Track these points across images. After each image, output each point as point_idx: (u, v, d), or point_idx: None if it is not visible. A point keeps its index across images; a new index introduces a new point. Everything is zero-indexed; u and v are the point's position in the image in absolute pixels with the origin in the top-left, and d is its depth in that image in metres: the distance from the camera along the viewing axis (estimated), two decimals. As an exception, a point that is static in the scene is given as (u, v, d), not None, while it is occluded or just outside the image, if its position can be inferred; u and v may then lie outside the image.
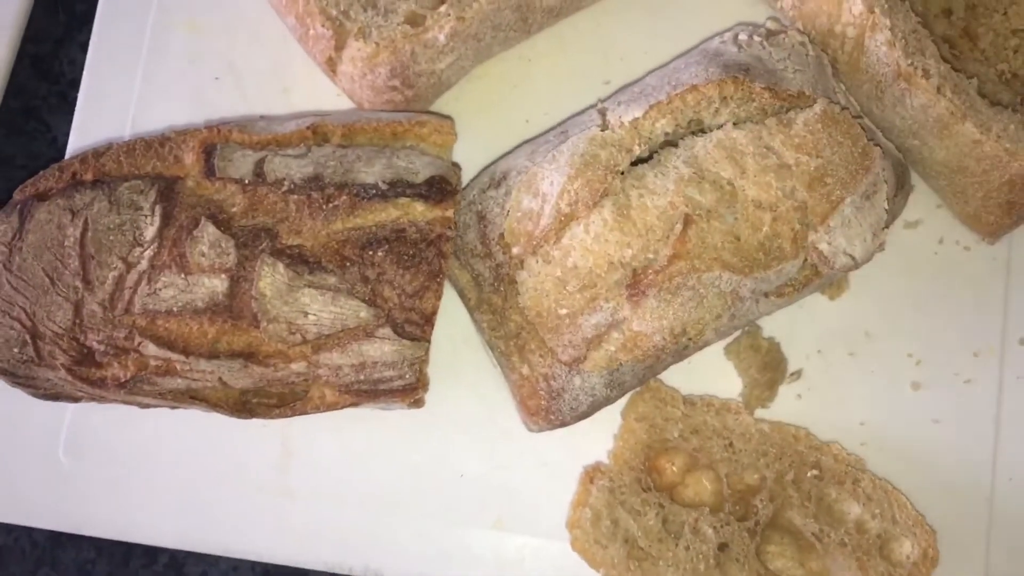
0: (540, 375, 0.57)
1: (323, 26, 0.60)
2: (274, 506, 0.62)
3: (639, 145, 0.55)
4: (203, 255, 0.52)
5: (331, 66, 0.61)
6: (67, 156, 0.66)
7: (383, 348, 0.53)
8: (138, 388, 0.55)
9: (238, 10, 0.67)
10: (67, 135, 0.67)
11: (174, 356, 0.53)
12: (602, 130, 0.56)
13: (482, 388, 0.63)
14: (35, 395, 0.58)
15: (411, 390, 0.55)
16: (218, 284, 0.52)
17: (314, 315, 0.52)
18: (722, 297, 0.55)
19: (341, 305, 0.52)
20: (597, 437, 0.62)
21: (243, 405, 0.57)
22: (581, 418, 0.59)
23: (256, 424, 0.58)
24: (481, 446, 0.63)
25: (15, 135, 0.70)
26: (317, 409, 0.57)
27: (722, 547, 0.58)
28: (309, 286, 0.52)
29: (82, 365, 0.54)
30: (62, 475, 0.63)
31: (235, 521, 0.62)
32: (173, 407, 0.57)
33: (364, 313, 0.53)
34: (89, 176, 0.56)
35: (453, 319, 0.62)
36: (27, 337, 0.54)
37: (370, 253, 0.53)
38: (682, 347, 0.59)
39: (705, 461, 0.60)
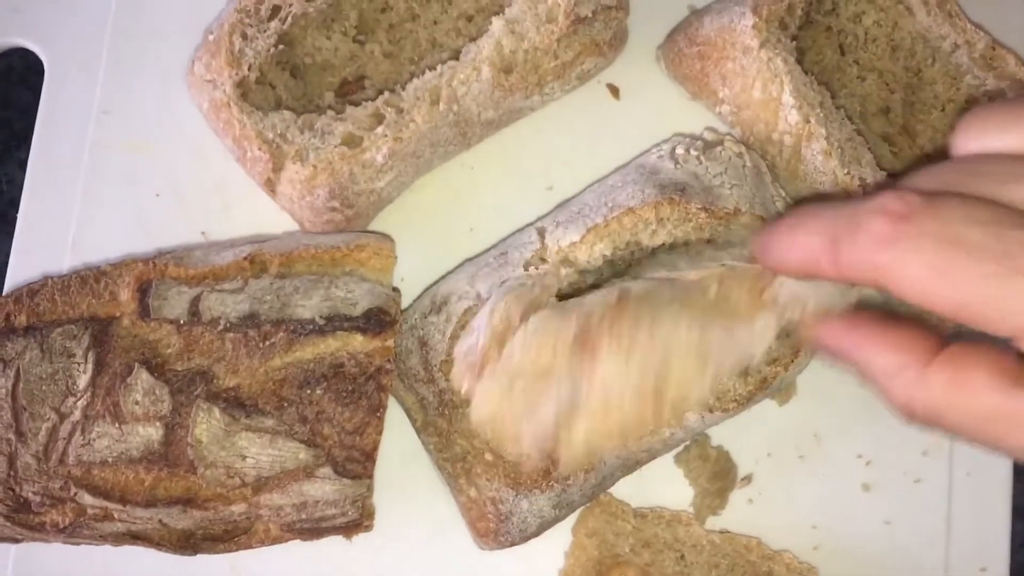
0: (487, 498, 0.57)
1: (260, 149, 0.59)
2: (226, 633, 0.61)
3: (576, 273, 0.55)
4: (137, 403, 0.51)
5: (270, 187, 0.61)
6: (7, 278, 0.66)
7: (324, 488, 0.53)
8: (78, 533, 0.54)
9: (179, 129, 0.67)
10: (7, 255, 0.66)
11: (111, 505, 0.52)
12: (540, 256, 0.56)
13: (434, 505, 0.62)
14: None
15: (354, 526, 0.55)
16: (153, 432, 0.51)
17: (252, 458, 0.52)
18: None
19: (279, 447, 0.52)
20: (552, 551, 0.61)
21: (187, 542, 0.56)
22: (531, 538, 0.59)
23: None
24: (435, 564, 0.62)
25: (-45, 253, 0.69)
26: (262, 543, 0.56)
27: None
28: (246, 430, 0.52)
29: (20, 512, 0.53)
30: (8, 608, 0.62)
31: (187, 650, 0.61)
32: (115, 546, 0.57)
33: (303, 455, 0.52)
34: (23, 319, 0.55)
35: (404, 436, 0.62)
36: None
37: (308, 392, 0.53)
38: (633, 461, 0.59)
39: (657, 575, 0.60)
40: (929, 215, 0.34)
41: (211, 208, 0.66)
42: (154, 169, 0.67)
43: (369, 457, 0.53)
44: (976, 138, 0.36)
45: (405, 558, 0.62)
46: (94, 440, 0.51)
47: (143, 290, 0.55)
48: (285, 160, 0.59)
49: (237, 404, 0.52)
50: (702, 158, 0.58)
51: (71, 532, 0.54)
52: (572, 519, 0.61)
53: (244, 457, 0.52)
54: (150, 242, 0.65)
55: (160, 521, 0.54)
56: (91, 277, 0.56)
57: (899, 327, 0.37)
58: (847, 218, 0.36)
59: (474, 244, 0.64)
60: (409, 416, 0.60)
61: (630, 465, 0.59)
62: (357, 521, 0.55)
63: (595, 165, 0.65)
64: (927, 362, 0.36)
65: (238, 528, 0.56)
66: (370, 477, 0.54)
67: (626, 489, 0.61)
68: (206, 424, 0.51)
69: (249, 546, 0.56)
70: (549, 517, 0.58)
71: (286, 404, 0.52)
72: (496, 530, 0.58)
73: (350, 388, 0.53)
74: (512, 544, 0.58)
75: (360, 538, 0.61)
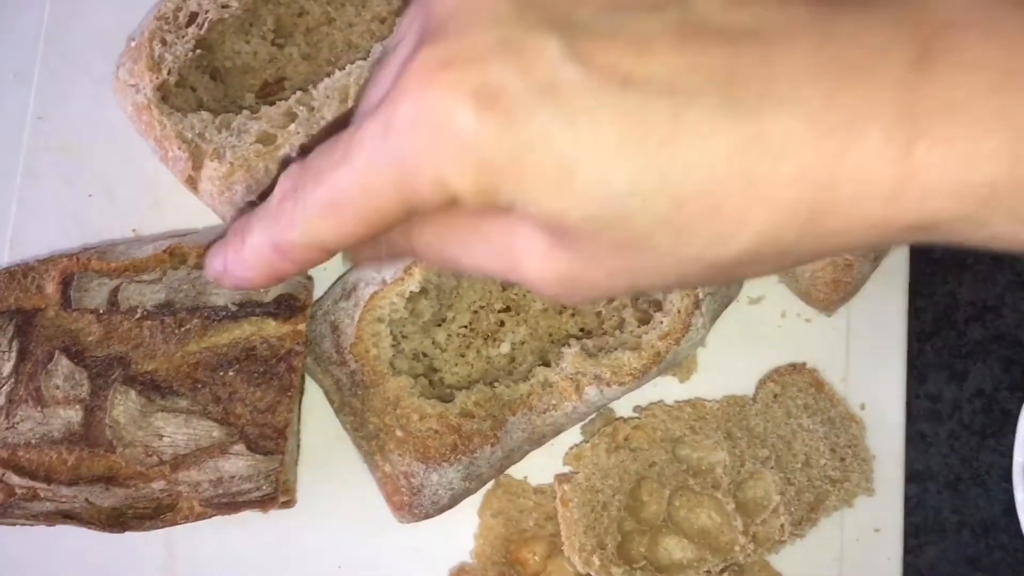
0: (400, 473, 0.60)
1: (180, 148, 0.63)
2: (161, 609, 0.65)
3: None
4: (58, 388, 0.55)
5: (192, 184, 0.64)
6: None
7: (238, 464, 0.56)
8: (10, 513, 0.57)
9: (110, 132, 0.70)
10: (-56, 256, 0.69)
11: (37, 484, 0.55)
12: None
13: (354, 482, 0.65)
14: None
15: (270, 500, 0.58)
16: (73, 415, 0.55)
17: (168, 437, 0.55)
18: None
19: (194, 426, 0.55)
20: (468, 525, 0.65)
21: (116, 520, 0.59)
22: (444, 510, 0.62)
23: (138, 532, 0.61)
24: (357, 539, 0.65)
25: None
26: (187, 519, 0.60)
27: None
28: (162, 410, 0.55)
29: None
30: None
31: (125, 628, 0.65)
32: (49, 526, 0.60)
33: (217, 432, 0.55)
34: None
35: (325, 416, 0.65)
36: None
37: (221, 374, 0.56)
38: (539, 435, 0.62)
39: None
40: (301, 171, 0.37)
41: (142, 206, 0.70)
42: (87, 171, 0.70)
43: (281, 434, 0.56)
44: None
45: (330, 532, 0.65)
46: (17, 424, 0.55)
47: (66, 282, 0.58)
48: (204, 158, 0.63)
49: (153, 387, 0.55)
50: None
51: (2, 512, 0.57)
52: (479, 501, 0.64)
53: (161, 436, 0.55)
54: (85, 240, 0.68)
55: (87, 500, 0.57)
56: (19, 272, 0.60)
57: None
58: (269, 216, 0.39)
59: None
60: (328, 398, 0.64)
61: (536, 439, 0.63)
62: (272, 495, 0.58)
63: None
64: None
65: (163, 506, 0.59)
66: (282, 453, 0.57)
67: (540, 461, 0.64)
68: (123, 406, 0.55)
69: (175, 522, 0.59)
70: (460, 489, 0.61)
71: (200, 386, 0.56)
72: (410, 503, 0.61)
73: (262, 370, 0.56)
74: (427, 516, 0.61)
75: (287, 515, 0.65)
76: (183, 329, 0.56)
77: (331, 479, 0.66)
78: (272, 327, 0.57)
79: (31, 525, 0.60)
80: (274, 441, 0.56)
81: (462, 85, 0.30)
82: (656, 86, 0.30)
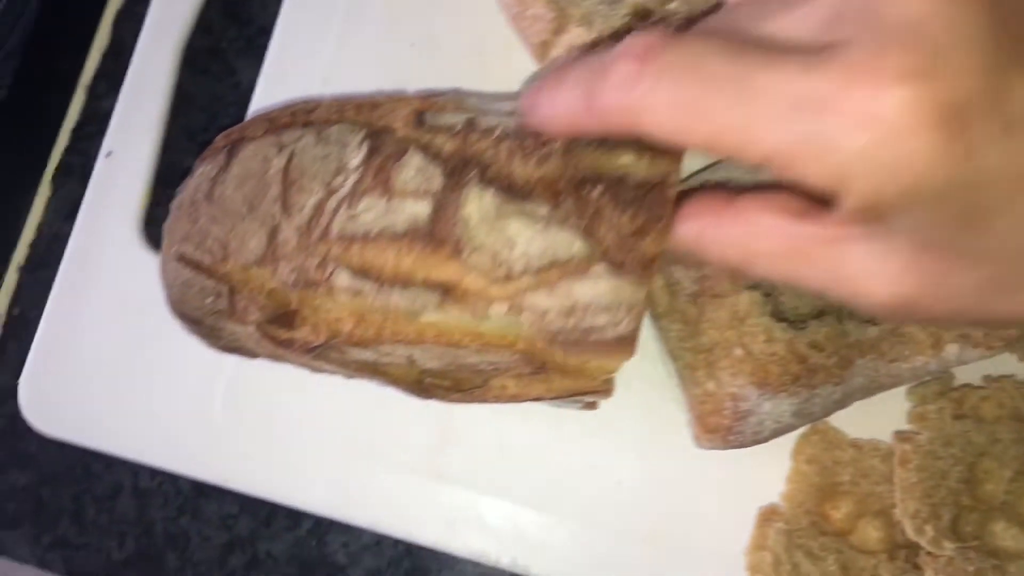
0: (728, 394, 0.56)
1: (545, 7, 0.58)
2: (426, 488, 0.61)
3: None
4: (408, 180, 0.50)
5: (542, 49, 0.59)
6: (252, 106, 0.65)
7: (597, 287, 0.48)
8: (325, 355, 0.53)
9: (443, -23, 0.65)
10: (251, 80, 0.66)
11: (367, 285, 0.50)
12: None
13: (649, 400, 0.61)
14: (211, 346, 0.57)
15: (626, 344, 0.50)
16: (421, 208, 0.49)
17: (521, 247, 0.48)
18: None
19: (553, 236, 0.48)
20: (776, 467, 0.60)
21: (420, 383, 0.55)
22: (759, 443, 0.57)
23: (417, 407, 0.57)
24: (644, 458, 0.61)
25: (199, 75, 0.68)
26: (497, 399, 0.55)
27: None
28: (519, 214, 0.48)
29: (275, 324, 0.52)
30: (215, 427, 0.62)
31: (384, 498, 0.61)
32: (349, 376, 0.56)
33: (578, 246, 0.48)
34: (301, 119, 0.54)
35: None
36: (223, 289, 0.53)
37: (585, 191, 0.48)
38: (876, 384, 0.57)
39: (876, 507, 0.58)
40: (670, 51, 0.34)
41: (465, 64, 0.65)
42: (411, 18, 0.66)
43: (648, 265, 0.48)
44: None
45: (615, 448, 0.61)
46: (360, 214, 0.49)
47: (419, 115, 0.53)
48: (569, 23, 0.58)
49: (511, 189, 0.49)
50: None
51: (319, 354, 0.53)
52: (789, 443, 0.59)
53: (513, 245, 0.48)
54: (401, 88, 0.64)
55: (409, 358, 0.53)
56: (367, 104, 0.55)
57: (691, 198, 0.42)
58: (597, 66, 0.36)
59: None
60: (651, 300, 0.59)
61: (873, 388, 0.57)
62: (630, 337, 0.49)
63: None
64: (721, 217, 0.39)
65: (476, 379, 0.54)
66: (648, 285, 0.49)
67: (855, 415, 0.59)
68: (477, 203, 0.49)
69: (483, 399, 0.55)
70: (784, 424, 0.56)
71: (561, 197, 0.49)
72: (729, 427, 0.56)
73: (631, 195, 0.48)
74: (740, 445, 0.57)
75: (572, 422, 0.61)
76: (545, 149, 0.50)
77: (624, 393, 0.60)
78: (644, 163, 0.48)
79: (330, 373, 0.56)
80: (642, 269, 0.48)
81: (929, 103, 0.29)
82: None
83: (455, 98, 0.56)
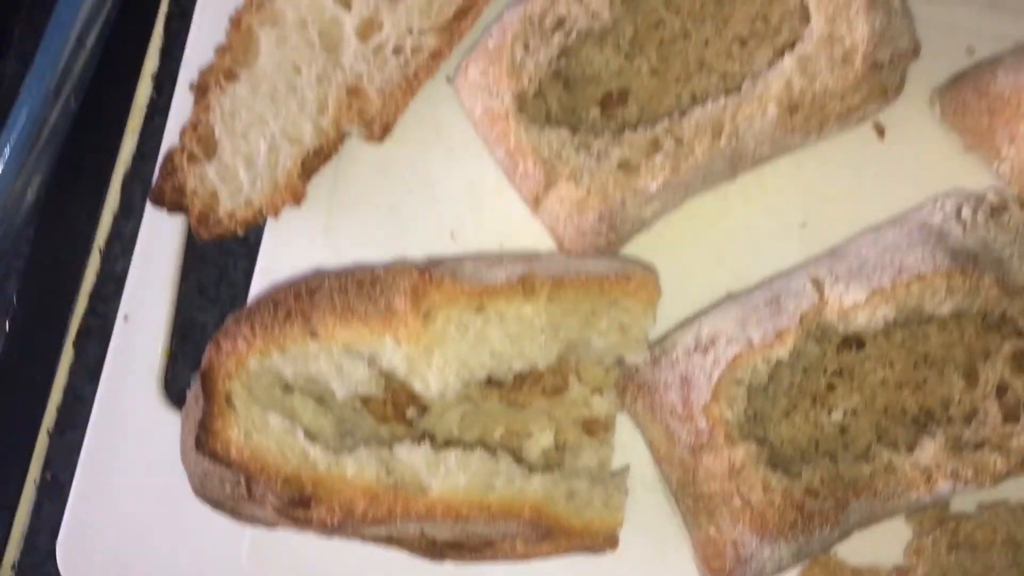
0: (728, 540, 0.58)
1: (534, 165, 0.59)
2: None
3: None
4: None
5: (536, 202, 0.61)
6: (260, 257, 0.67)
7: None
8: (341, 531, 0.56)
9: (436, 127, 0.67)
10: (257, 234, 0.67)
11: None
12: (818, 311, 0.56)
13: (660, 532, 0.63)
14: (235, 520, 0.59)
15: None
16: None
17: None
18: None
19: None
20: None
21: (433, 547, 0.58)
22: (762, 582, 0.59)
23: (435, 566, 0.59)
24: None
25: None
26: (507, 557, 0.58)
27: None
28: None
29: (293, 507, 0.55)
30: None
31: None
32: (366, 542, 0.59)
33: None
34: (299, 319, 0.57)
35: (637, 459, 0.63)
36: (239, 477, 0.55)
37: None
38: (872, 520, 0.59)
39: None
40: None
41: (461, 209, 0.67)
42: (408, 165, 0.67)
43: None
44: None
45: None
46: None
47: (416, 299, 0.56)
48: (558, 179, 0.59)
49: None
50: (991, 224, 0.57)
51: (351, 531, 0.56)
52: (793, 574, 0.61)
53: None
54: (400, 233, 0.66)
55: (421, 531, 0.56)
56: (367, 281, 0.57)
57: None
58: None
59: (724, 274, 0.64)
60: (650, 445, 0.61)
61: (869, 522, 0.59)
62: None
63: (853, 205, 0.64)
64: None
65: (487, 543, 0.57)
66: None
67: (854, 540, 0.61)
68: None
69: (494, 558, 0.58)
70: (786, 564, 0.58)
71: None
72: (731, 571, 0.58)
73: None
74: (743, 586, 0.59)
75: (590, 564, 0.62)
76: None
77: (635, 528, 0.63)
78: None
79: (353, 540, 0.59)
80: None
81: None
82: None
83: (452, 270, 0.58)
